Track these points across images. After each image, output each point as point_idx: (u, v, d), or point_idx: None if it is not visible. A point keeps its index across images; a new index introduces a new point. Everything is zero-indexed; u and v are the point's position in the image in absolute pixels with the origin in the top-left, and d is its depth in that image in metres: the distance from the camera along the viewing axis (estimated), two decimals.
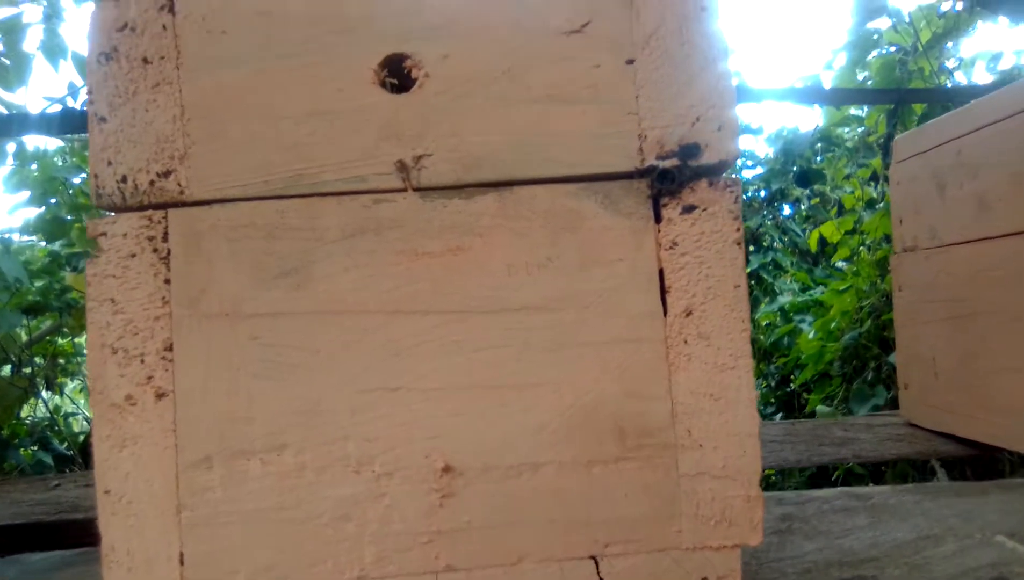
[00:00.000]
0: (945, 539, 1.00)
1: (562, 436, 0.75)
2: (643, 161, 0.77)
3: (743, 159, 5.47)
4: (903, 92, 3.54)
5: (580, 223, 0.76)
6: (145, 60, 0.74)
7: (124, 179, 0.74)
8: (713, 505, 0.76)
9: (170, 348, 0.73)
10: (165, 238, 0.74)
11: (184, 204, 0.75)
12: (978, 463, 2.17)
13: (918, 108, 3.62)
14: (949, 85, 3.80)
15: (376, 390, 0.74)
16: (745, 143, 5.54)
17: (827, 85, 4.05)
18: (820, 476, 2.96)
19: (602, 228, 0.76)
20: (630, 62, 0.77)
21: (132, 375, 0.73)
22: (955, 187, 1.63)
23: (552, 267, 0.76)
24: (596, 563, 0.75)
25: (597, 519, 0.75)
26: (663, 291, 0.76)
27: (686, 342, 0.76)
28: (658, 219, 0.77)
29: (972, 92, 3.58)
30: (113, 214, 0.75)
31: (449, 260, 0.75)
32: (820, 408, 3.46)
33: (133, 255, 0.74)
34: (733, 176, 0.78)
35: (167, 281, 0.74)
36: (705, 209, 0.77)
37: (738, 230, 0.77)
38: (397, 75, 0.76)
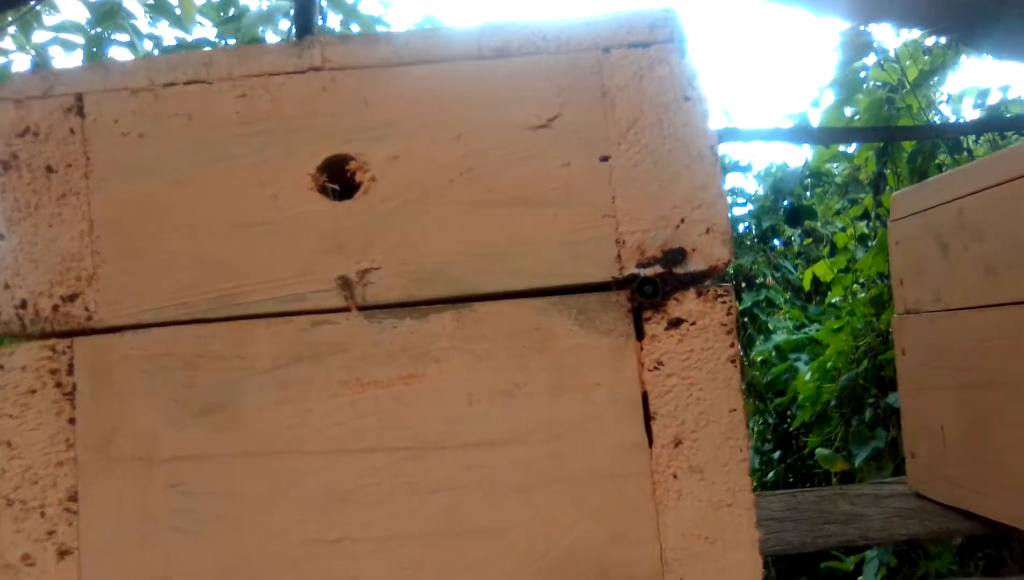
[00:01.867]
0: None
1: None
2: (622, 270, 0.67)
3: (732, 196, 5.42)
4: (892, 129, 3.49)
5: (551, 343, 0.66)
6: (49, 169, 0.65)
7: (23, 304, 0.65)
8: None
9: (75, 498, 0.63)
10: (70, 371, 0.64)
11: (92, 331, 0.65)
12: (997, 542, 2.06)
13: (907, 145, 3.58)
14: (937, 121, 3.76)
15: (313, 542, 0.64)
16: (734, 180, 5.49)
17: (814, 122, 4.00)
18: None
19: (576, 348, 0.66)
20: (605, 159, 0.68)
21: (30, 530, 0.63)
22: (959, 249, 1.55)
23: (520, 395, 0.66)
24: None
25: None
26: (648, 418, 0.67)
27: (675, 476, 0.66)
28: (640, 336, 0.67)
29: (960, 128, 3.53)
30: (10, 345, 0.65)
31: (400, 390, 0.65)
32: (820, 451, 3.36)
33: (33, 391, 0.64)
34: (725, 285, 0.68)
35: (72, 420, 0.64)
36: (694, 323, 0.67)
37: (732, 346, 0.67)
38: (339, 179, 0.67)
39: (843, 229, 4.39)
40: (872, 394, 3.29)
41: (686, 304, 0.68)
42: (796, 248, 5.59)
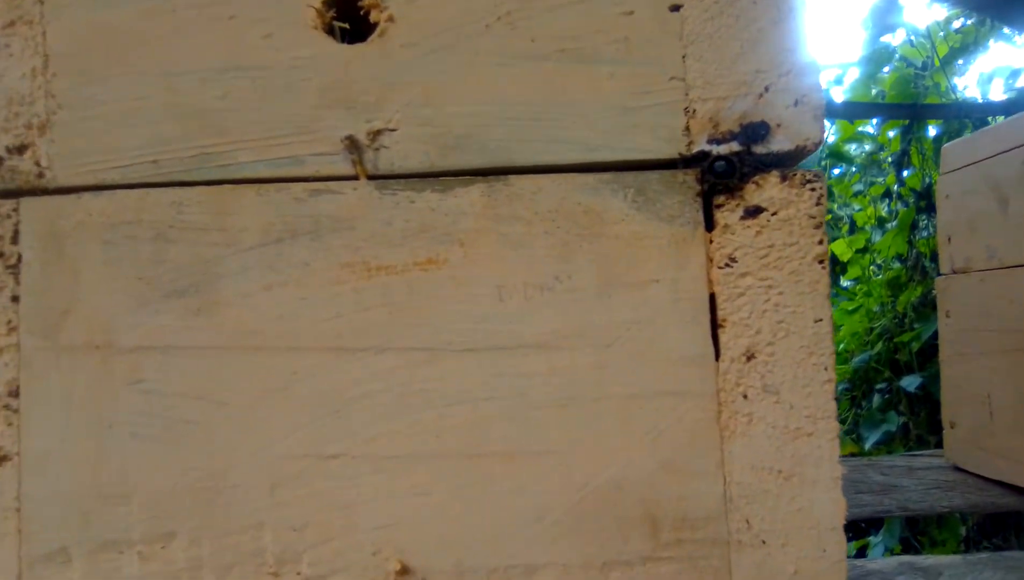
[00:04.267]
0: None
1: (569, 527, 0.53)
2: (690, 145, 0.55)
3: None
4: (919, 107, 3.35)
5: (601, 229, 0.54)
6: None
7: None
8: None
9: (15, 393, 0.52)
10: (15, 239, 0.53)
11: (43, 191, 0.53)
12: None
13: (932, 124, 3.44)
14: (965, 100, 3.62)
15: (307, 457, 0.52)
16: None
17: (838, 100, 3.85)
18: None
19: (632, 236, 0.54)
20: (675, 8, 0.55)
21: None
22: (1021, 200, 1.42)
23: (561, 290, 0.54)
24: None
25: None
26: (715, 326, 0.55)
27: (746, 397, 0.54)
28: (710, 226, 0.55)
29: (989, 109, 3.39)
30: None
31: (416, 277, 0.53)
32: None
33: None
34: (815, 169, 0.56)
35: (15, 299, 0.52)
36: (775, 213, 0.55)
37: (821, 243, 0.55)
38: (350, 17, 0.55)
39: (860, 210, 4.26)
40: (885, 377, 3.18)
41: (767, 190, 0.55)
42: None
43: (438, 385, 0.53)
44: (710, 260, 0.55)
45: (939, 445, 1.83)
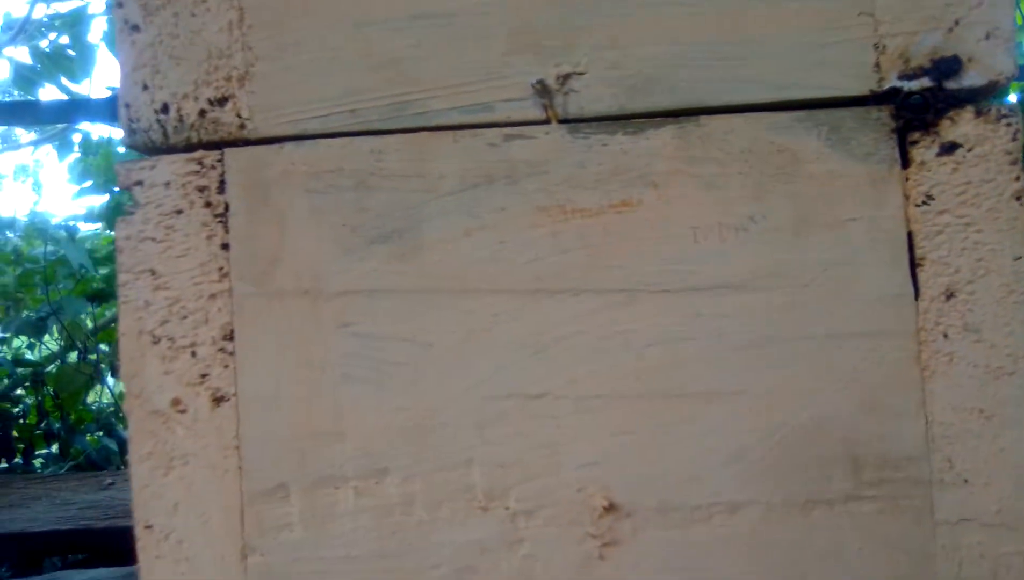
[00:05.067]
0: None
1: (770, 466, 0.54)
2: (881, 81, 0.54)
3: None
4: None
5: (796, 168, 0.54)
6: None
7: (165, 108, 0.55)
8: (981, 564, 0.54)
9: (231, 337, 0.54)
10: (221, 189, 0.54)
11: (246, 142, 0.55)
12: None
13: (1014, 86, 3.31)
14: None
15: (512, 397, 0.54)
16: None
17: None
18: None
19: (827, 174, 0.54)
20: None
21: (180, 373, 0.54)
22: None
23: (757, 230, 0.54)
24: None
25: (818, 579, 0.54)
26: (913, 265, 0.54)
27: (946, 336, 0.54)
28: (905, 163, 0.54)
29: None
30: (151, 157, 0.55)
31: (611, 220, 0.54)
32: None
33: (179, 211, 0.54)
34: (1010, 104, 0.55)
35: (225, 246, 0.54)
36: (971, 149, 0.54)
37: (1018, 180, 0.54)
38: None
39: None
40: None
41: (962, 125, 0.54)
42: None
43: (636, 326, 0.54)
44: (907, 198, 0.54)
45: None
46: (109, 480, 1.61)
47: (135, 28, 0.55)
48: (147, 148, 0.56)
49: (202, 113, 0.55)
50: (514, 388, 0.53)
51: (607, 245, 0.54)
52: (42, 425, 3.00)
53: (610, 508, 0.53)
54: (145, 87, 0.55)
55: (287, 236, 0.54)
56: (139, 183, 0.55)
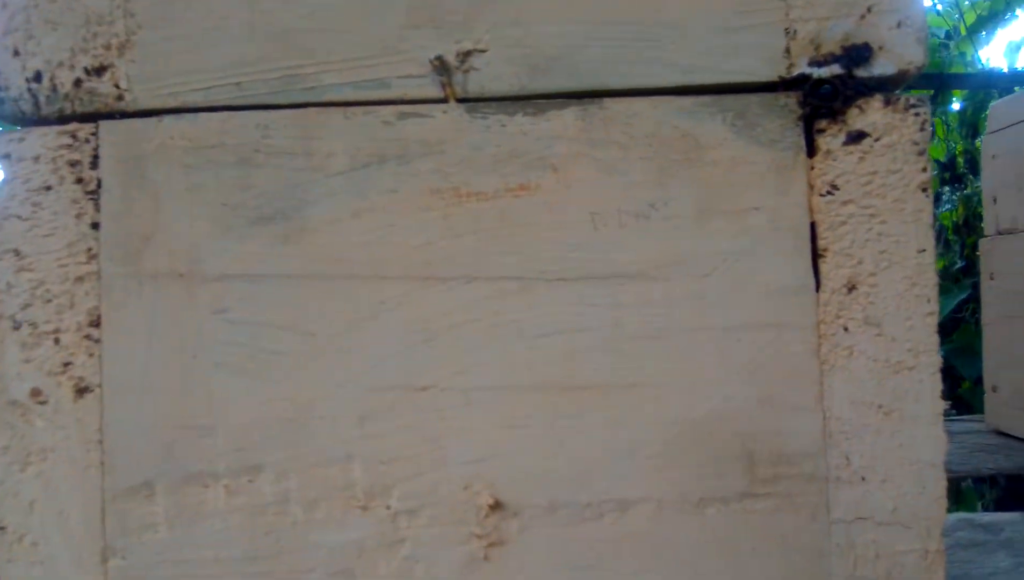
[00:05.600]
0: None
1: (664, 462, 0.52)
2: (791, 67, 0.53)
3: None
4: (944, 77, 3.30)
5: (700, 154, 0.52)
6: None
7: (38, 76, 0.51)
8: (876, 564, 0.53)
9: (97, 323, 0.50)
10: (94, 164, 0.51)
11: (124, 114, 0.51)
12: None
13: (957, 94, 3.39)
14: (991, 70, 3.56)
15: (395, 389, 0.51)
16: None
17: None
18: None
19: (731, 161, 0.52)
20: None
21: (42, 361, 0.50)
22: None
23: (658, 218, 0.52)
24: None
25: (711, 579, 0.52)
26: (815, 256, 0.53)
27: (847, 330, 0.52)
28: (811, 151, 0.53)
29: (1016, 78, 3.34)
30: (21, 129, 0.52)
31: (508, 204, 0.52)
32: None
33: (48, 188, 0.51)
34: (919, 94, 0.54)
35: (95, 225, 0.51)
36: (879, 139, 0.53)
37: (924, 171, 0.53)
38: None
39: None
40: None
41: (870, 114, 0.53)
42: None
43: (530, 316, 0.51)
44: (811, 187, 0.53)
45: None
46: None
47: None
48: (16, 119, 0.52)
49: (78, 83, 0.51)
50: (399, 380, 0.51)
51: (502, 231, 0.52)
52: None
53: (496, 506, 0.51)
54: (16, 53, 0.51)
55: (162, 215, 0.51)
56: (6, 156, 0.51)
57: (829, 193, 0.53)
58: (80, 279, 0.50)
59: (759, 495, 0.52)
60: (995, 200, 1.61)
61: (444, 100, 0.52)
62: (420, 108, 0.52)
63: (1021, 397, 1.55)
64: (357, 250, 0.51)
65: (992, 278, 1.62)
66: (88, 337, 0.50)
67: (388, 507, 0.51)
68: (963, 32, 3.50)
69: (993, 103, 1.65)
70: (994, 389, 1.63)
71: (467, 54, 0.52)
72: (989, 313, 1.64)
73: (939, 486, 0.53)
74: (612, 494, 0.52)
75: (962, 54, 3.57)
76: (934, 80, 3.33)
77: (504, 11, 0.52)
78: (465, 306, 0.51)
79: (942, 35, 3.55)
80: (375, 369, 0.51)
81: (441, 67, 0.51)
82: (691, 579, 0.52)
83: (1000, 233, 1.60)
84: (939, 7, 3.64)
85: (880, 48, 0.53)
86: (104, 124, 0.51)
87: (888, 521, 0.53)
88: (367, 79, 0.52)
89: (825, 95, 0.53)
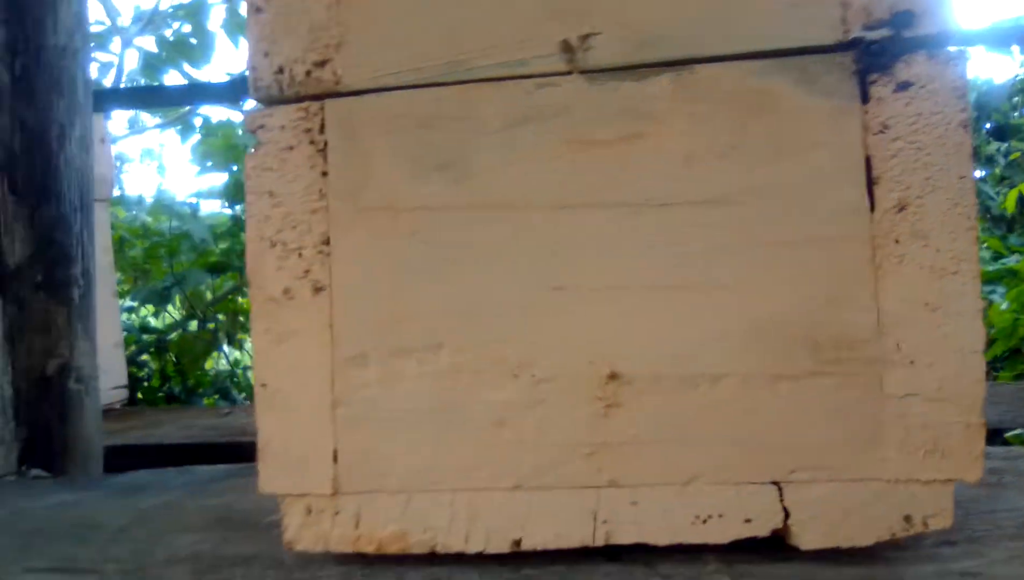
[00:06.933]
0: None
1: (746, 345, 0.67)
2: (847, 32, 0.66)
3: None
4: None
5: (771, 105, 0.66)
6: None
7: (281, 70, 0.72)
8: (925, 432, 0.65)
9: (327, 242, 0.71)
10: (322, 130, 0.71)
11: (340, 94, 0.71)
12: None
13: None
14: None
15: (539, 290, 0.68)
16: None
17: None
18: None
19: (797, 110, 0.66)
20: None
21: (290, 268, 0.71)
22: None
23: (737, 155, 0.67)
24: (780, 490, 0.67)
25: (783, 441, 0.66)
26: (870, 182, 0.66)
27: (897, 242, 0.65)
28: (865, 99, 0.66)
29: None
30: (270, 107, 0.72)
31: (621, 149, 0.68)
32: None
33: (291, 147, 0.71)
34: (958, 48, 0.66)
35: (324, 173, 0.71)
36: (923, 86, 0.65)
37: (963, 111, 0.65)
38: None
39: None
40: None
41: (915, 67, 0.65)
42: (999, 171, 5.12)
43: (640, 232, 0.67)
44: (866, 128, 0.66)
45: None
46: (227, 411, 1.84)
47: (258, 10, 0.72)
48: (267, 101, 0.73)
49: (308, 73, 0.72)
50: (542, 281, 0.68)
51: (617, 169, 0.68)
52: (164, 388, 3.31)
53: (613, 376, 0.67)
54: (266, 54, 0.72)
55: (371, 165, 0.70)
56: (262, 127, 0.72)
57: (881, 132, 0.66)
58: (315, 211, 0.71)
59: (824, 374, 0.66)
60: None
61: (569, 73, 0.69)
62: (552, 80, 0.69)
63: None
64: (509, 187, 0.69)
65: None
66: (321, 252, 0.71)
67: (532, 375, 0.68)
68: None
69: None
70: None
71: (585, 37, 0.68)
72: None
73: (979, 369, 0.65)
74: (705, 369, 0.67)
75: None
76: None
77: (613, 2, 0.68)
78: (591, 226, 0.68)
79: None
80: (524, 274, 0.68)
81: (566, 48, 0.68)
82: (769, 436, 0.66)
83: None
84: None
85: (923, 12, 0.65)
86: (328, 102, 0.71)
87: (934, 397, 0.65)
88: (512, 59, 0.69)
89: (876, 52, 0.66)
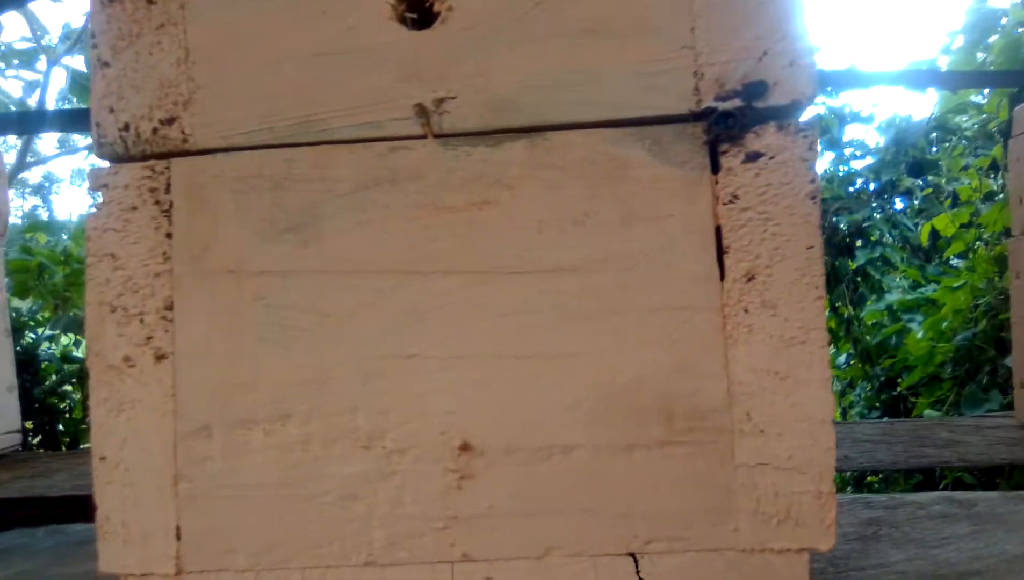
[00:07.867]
0: None
1: (598, 415, 0.66)
2: (699, 102, 0.66)
3: (851, 148, 5.18)
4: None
5: (623, 173, 0.66)
6: (150, 0, 0.69)
7: (126, 127, 0.69)
8: (776, 501, 0.65)
9: (171, 307, 0.68)
10: (167, 189, 0.68)
11: (187, 153, 0.69)
12: None
13: None
14: None
15: (389, 358, 0.67)
16: (854, 132, 5.23)
17: (943, 70, 3.77)
18: (926, 485, 2.74)
19: (650, 179, 0.66)
20: None
21: (131, 335, 0.68)
22: None
23: (590, 224, 0.66)
24: (635, 561, 0.66)
25: (638, 512, 0.66)
26: (720, 252, 0.66)
27: (747, 311, 0.65)
28: (716, 169, 0.66)
29: None
30: (115, 165, 0.70)
31: (473, 215, 0.67)
32: (928, 413, 3.23)
33: (134, 208, 0.69)
34: (808, 120, 0.66)
35: (169, 235, 0.68)
36: (772, 157, 0.66)
37: (812, 182, 0.66)
38: (417, 9, 0.68)
39: (968, 184, 4.15)
40: (989, 356, 3.12)
41: (765, 137, 0.66)
42: (917, 205, 5.30)
43: (492, 300, 0.66)
44: (716, 198, 0.66)
45: None
46: None
47: (105, 64, 0.69)
48: (112, 158, 0.70)
49: (154, 131, 0.69)
50: (392, 350, 0.66)
51: (469, 235, 0.67)
52: (86, 420, 3.19)
53: (465, 448, 0.66)
54: (111, 110, 0.69)
55: (217, 227, 0.68)
56: (105, 185, 0.69)
57: (731, 202, 0.66)
58: (158, 275, 0.68)
59: (676, 443, 0.66)
60: (1021, 201, 1.67)
61: (424, 136, 0.67)
62: (406, 143, 0.67)
63: None
64: (360, 251, 0.67)
65: (1018, 277, 1.68)
66: (164, 318, 0.68)
67: (384, 447, 0.66)
68: None
69: (1016, 108, 1.70)
70: (1022, 386, 1.68)
71: (441, 100, 0.67)
72: (1016, 313, 1.69)
73: (829, 439, 0.65)
74: (558, 440, 0.66)
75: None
76: (1017, 77, 3.29)
77: (470, 67, 0.67)
78: (443, 293, 0.67)
79: None
80: (375, 342, 0.67)
81: (421, 111, 0.67)
82: (623, 507, 0.66)
83: None
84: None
85: (775, 84, 0.66)
86: (174, 161, 0.69)
87: (785, 466, 0.65)
88: (365, 121, 0.68)
89: (727, 123, 0.66)
